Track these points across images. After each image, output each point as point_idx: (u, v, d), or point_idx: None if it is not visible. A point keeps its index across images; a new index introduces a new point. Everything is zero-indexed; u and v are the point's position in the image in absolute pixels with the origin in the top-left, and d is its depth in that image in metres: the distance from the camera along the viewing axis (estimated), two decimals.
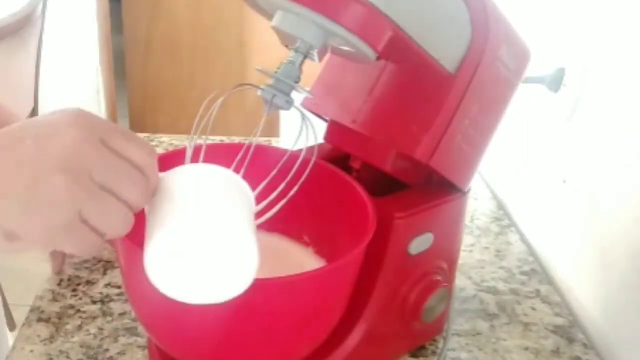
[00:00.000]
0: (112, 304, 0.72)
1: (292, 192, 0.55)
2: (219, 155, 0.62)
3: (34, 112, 1.89)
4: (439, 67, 0.57)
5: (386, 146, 0.61)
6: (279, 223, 0.64)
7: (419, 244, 0.61)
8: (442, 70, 0.57)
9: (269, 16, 0.54)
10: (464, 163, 0.62)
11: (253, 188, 0.53)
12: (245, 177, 0.52)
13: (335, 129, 0.66)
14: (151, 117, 2.62)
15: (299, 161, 0.59)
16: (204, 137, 0.58)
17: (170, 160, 0.62)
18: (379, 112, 0.62)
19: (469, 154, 0.61)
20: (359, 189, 0.59)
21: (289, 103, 0.52)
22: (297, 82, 0.53)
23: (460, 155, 0.61)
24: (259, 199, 0.57)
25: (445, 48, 0.57)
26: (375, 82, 0.62)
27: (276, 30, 0.53)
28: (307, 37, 0.51)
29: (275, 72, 0.52)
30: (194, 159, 0.56)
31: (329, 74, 0.67)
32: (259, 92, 0.53)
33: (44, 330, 0.68)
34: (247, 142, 0.62)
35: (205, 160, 0.60)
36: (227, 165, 0.61)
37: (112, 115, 2.42)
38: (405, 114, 0.60)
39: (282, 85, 0.52)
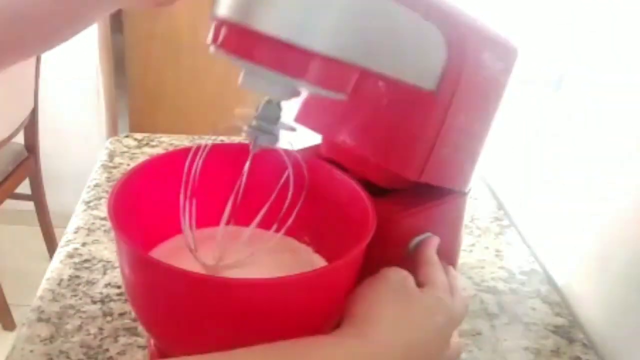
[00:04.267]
0: (112, 304, 0.72)
1: (295, 198, 0.55)
2: (220, 155, 0.63)
3: (34, 112, 1.89)
4: (418, 88, 0.56)
5: (378, 164, 0.61)
6: (280, 223, 0.64)
7: (416, 242, 0.61)
8: (422, 90, 0.56)
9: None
10: (458, 170, 0.61)
11: (254, 188, 0.53)
12: (246, 176, 0.53)
13: (329, 146, 0.65)
14: (151, 117, 2.62)
15: (300, 162, 0.59)
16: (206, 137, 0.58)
17: (170, 160, 0.62)
18: (367, 131, 0.61)
19: (462, 160, 0.61)
20: (359, 189, 0.59)
21: (274, 141, 0.53)
22: (278, 119, 0.53)
23: (453, 164, 0.60)
24: (259, 199, 0.57)
25: (420, 71, 0.55)
26: (362, 101, 0.61)
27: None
28: (273, 94, 0.52)
29: (256, 113, 0.53)
30: (194, 159, 0.56)
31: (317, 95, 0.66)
32: (242, 134, 0.53)
33: (44, 330, 0.68)
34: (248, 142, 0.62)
35: (206, 161, 0.60)
36: (228, 165, 0.61)
37: (112, 115, 2.42)
38: (392, 133, 0.60)
39: (264, 126, 0.52)
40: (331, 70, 0.49)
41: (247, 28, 0.47)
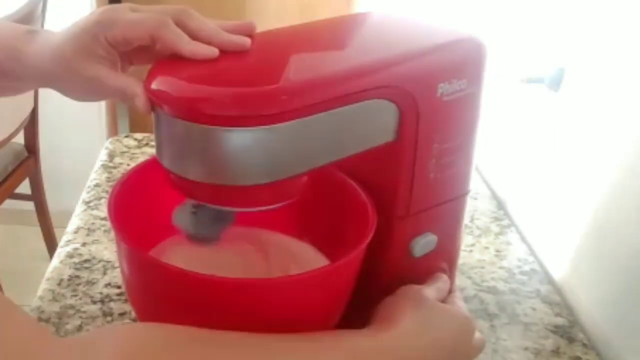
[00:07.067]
0: (112, 304, 0.72)
1: None
2: None
3: (34, 112, 1.89)
4: (376, 146, 0.54)
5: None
6: (281, 223, 0.64)
7: (420, 244, 0.61)
8: (381, 144, 0.54)
9: None
10: (450, 184, 0.60)
11: None
12: None
13: None
14: (151, 117, 2.62)
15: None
16: None
17: None
18: (356, 178, 0.61)
19: (452, 173, 0.60)
20: (359, 189, 0.59)
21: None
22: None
23: (443, 182, 0.59)
24: None
25: (373, 137, 0.53)
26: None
27: None
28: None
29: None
30: None
31: None
32: None
33: None
34: None
35: None
36: None
37: (112, 115, 2.42)
38: (371, 180, 0.60)
39: None
40: (279, 190, 0.51)
41: (187, 179, 0.50)
